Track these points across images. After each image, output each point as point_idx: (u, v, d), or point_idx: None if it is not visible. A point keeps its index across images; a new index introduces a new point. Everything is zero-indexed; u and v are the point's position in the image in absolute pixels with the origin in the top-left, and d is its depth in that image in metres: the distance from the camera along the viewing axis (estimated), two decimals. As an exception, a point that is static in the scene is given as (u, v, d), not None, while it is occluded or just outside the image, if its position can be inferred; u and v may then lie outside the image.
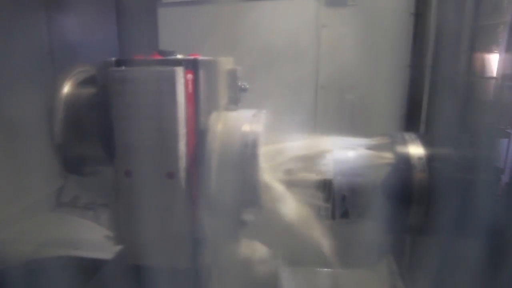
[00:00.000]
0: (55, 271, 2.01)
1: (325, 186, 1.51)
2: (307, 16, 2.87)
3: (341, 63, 2.81)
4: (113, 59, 1.51)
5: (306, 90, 2.92)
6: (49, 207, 2.82)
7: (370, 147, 1.58)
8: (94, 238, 2.54)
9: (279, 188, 1.49)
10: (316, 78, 2.91)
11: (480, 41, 2.12)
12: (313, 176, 1.53)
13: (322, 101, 2.92)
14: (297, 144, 1.60)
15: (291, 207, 1.48)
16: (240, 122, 1.48)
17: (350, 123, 2.86)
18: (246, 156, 1.43)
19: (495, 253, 1.53)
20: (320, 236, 1.52)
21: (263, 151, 1.48)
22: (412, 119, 2.72)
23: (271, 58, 2.83)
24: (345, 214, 1.52)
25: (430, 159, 1.48)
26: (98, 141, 1.55)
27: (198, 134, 1.50)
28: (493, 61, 1.97)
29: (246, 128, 1.46)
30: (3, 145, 2.33)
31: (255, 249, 1.67)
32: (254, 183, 1.44)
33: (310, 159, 1.55)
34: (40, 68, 2.61)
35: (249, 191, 1.45)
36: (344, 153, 1.57)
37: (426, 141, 1.55)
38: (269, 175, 1.50)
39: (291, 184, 1.53)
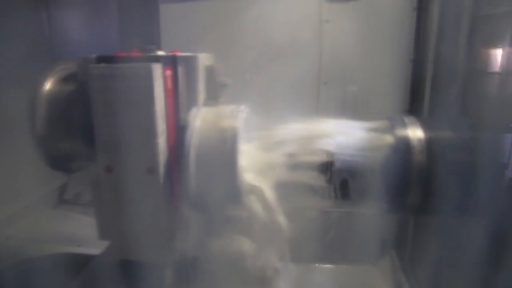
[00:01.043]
0: (57, 268, 2.04)
1: (327, 168, 1.51)
2: (309, 11, 2.84)
3: (343, 58, 2.77)
4: (94, 55, 1.52)
5: (308, 85, 2.90)
6: (52, 204, 2.85)
7: (370, 130, 1.58)
8: (96, 235, 2.55)
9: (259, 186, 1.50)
10: (319, 73, 2.88)
11: (482, 35, 2.07)
12: (315, 158, 1.52)
13: (324, 96, 2.89)
14: (299, 127, 1.60)
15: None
16: (219, 117, 1.48)
17: (352, 118, 2.83)
18: (225, 152, 1.42)
19: (495, 240, 1.51)
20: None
21: (265, 134, 1.51)
22: (414, 114, 2.67)
23: (273, 54, 2.80)
24: (346, 195, 1.52)
25: (429, 142, 1.49)
26: (80, 137, 1.56)
27: (178, 130, 1.51)
28: (497, 55, 1.92)
29: (224, 123, 1.46)
30: (4, 142, 2.36)
31: (240, 244, 1.67)
32: (233, 179, 1.44)
33: (312, 142, 1.55)
34: (40, 64, 2.63)
35: (229, 187, 1.45)
36: (345, 135, 1.57)
37: (426, 124, 1.56)
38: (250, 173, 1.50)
39: (294, 166, 1.53)
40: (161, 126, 1.45)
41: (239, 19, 2.81)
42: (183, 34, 2.89)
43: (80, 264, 2.13)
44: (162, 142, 1.46)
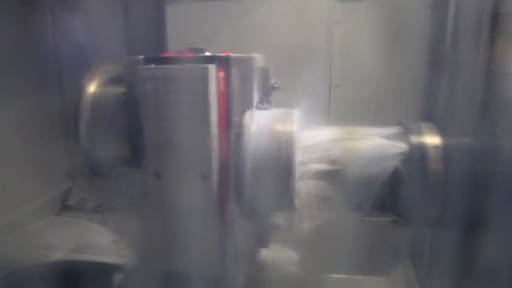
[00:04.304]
0: (61, 275, 1.96)
1: (338, 177, 1.45)
2: (320, 11, 2.79)
3: (356, 60, 2.74)
4: (141, 56, 1.44)
5: (319, 88, 2.85)
6: (55, 210, 2.74)
7: (385, 137, 1.53)
8: (101, 242, 2.47)
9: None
10: (330, 76, 2.84)
11: (505, 33, 2.06)
12: (325, 167, 1.47)
13: (336, 100, 2.85)
14: (310, 134, 1.54)
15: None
16: (274, 121, 1.41)
17: (365, 122, 2.80)
18: (281, 157, 1.36)
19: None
20: None
21: None
22: (430, 118, 2.66)
23: (282, 56, 2.75)
24: (357, 206, 1.48)
25: (447, 149, 1.43)
26: (125, 142, 1.49)
27: (231, 135, 1.44)
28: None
29: (280, 128, 1.39)
30: (9, 147, 2.26)
31: (284, 254, 1.62)
32: (289, 186, 1.37)
33: (323, 149, 1.50)
34: (44, 68, 2.54)
35: (284, 194, 1.38)
36: (357, 142, 1.51)
37: (444, 131, 1.50)
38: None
39: (303, 175, 1.46)
40: (215, 130, 1.39)
41: (247, 20, 2.76)
42: (190, 35, 2.82)
43: (84, 271, 2.06)
44: (215, 147, 1.39)
